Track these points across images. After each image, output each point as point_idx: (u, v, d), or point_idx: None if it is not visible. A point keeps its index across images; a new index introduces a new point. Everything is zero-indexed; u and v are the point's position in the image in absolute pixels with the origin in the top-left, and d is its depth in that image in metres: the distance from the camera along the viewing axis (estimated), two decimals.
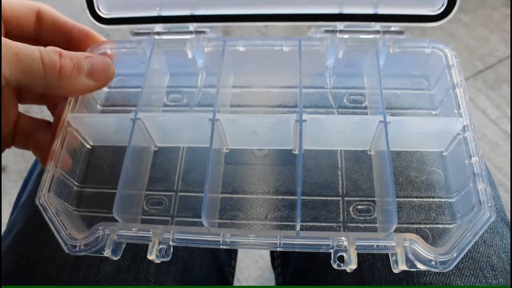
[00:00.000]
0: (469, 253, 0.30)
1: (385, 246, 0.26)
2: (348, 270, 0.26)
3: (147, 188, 0.31)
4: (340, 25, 0.32)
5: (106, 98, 0.35)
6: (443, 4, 0.31)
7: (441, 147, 0.31)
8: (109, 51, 0.33)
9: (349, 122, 0.29)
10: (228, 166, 0.32)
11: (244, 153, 0.32)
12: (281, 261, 0.46)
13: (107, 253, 0.26)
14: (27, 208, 0.36)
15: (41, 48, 0.26)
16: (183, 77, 0.35)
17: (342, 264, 0.25)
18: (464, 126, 0.28)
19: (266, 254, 0.85)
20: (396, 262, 0.26)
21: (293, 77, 0.34)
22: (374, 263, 0.32)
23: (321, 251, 0.26)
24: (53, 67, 0.26)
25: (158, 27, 0.33)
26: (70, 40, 0.33)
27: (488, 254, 0.31)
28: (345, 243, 0.26)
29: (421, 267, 0.25)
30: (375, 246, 0.26)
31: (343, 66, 0.34)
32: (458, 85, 0.30)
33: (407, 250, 0.26)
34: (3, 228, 0.37)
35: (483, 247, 0.31)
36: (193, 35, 0.33)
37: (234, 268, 0.49)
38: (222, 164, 0.32)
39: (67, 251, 0.27)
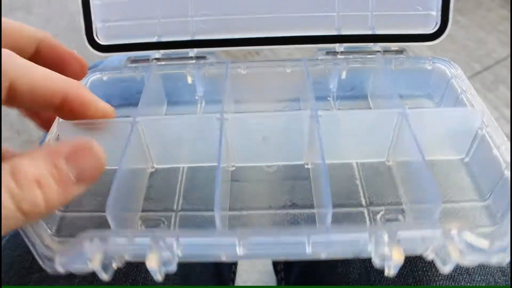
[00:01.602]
0: None
1: (431, 237, 0.22)
2: (391, 271, 0.22)
3: (143, 210, 0.27)
4: (340, 47, 0.32)
5: None
6: (436, 23, 0.32)
7: (461, 153, 0.29)
8: (104, 78, 0.32)
9: (366, 116, 0.27)
10: (235, 183, 0.28)
11: (253, 170, 0.29)
12: (284, 265, 0.44)
13: (94, 266, 0.21)
14: None
15: (13, 187, 0.20)
16: (181, 106, 0.34)
17: (385, 260, 0.21)
18: (483, 121, 0.27)
19: None
20: (446, 257, 0.22)
21: (296, 102, 0.33)
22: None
23: (356, 249, 0.22)
24: (35, 212, 0.20)
25: (157, 54, 0.32)
26: (66, 69, 0.30)
27: None
28: (385, 236, 0.22)
29: (475, 258, 0.22)
30: (419, 239, 0.22)
31: (347, 89, 0.34)
32: (466, 91, 0.29)
33: (457, 241, 0.22)
34: None
35: None
36: (194, 61, 0.32)
37: (234, 273, 0.47)
38: (229, 181, 0.28)
39: (43, 266, 0.22)
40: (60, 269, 0.21)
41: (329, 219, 0.22)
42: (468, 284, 0.28)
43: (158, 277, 0.21)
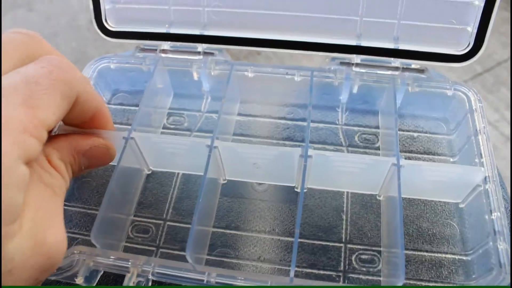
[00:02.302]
0: None
1: None
2: None
3: (135, 214, 0.29)
4: (356, 58, 0.30)
5: None
6: (469, 44, 0.29)
7: (457, 199, 0.28)
8: (112, 66, 0.32)
9: (359, 162, 0.26)
10: (223, 199, 0.29)
11: (243, 186, 0.30)
12: None
13: (79, 280, 0.24)
14: None
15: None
16: (187, 99, 0.33)
17: None
18: (485, 177, 0.26)
19: None
20: None
21: (303, 109, 0.32)
22: None
23: None
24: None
25: (166, 45, 0.31)
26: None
27: None
28: None
29: None
30: None
31: (358, 102, 0.32)
32: (480, 132, 0.27)
33: None
34: None
35: None
36: (201, 56, 0.31)
37: None
38: (218, 195, 0.29)
39: None
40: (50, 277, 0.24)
41: (292, 274, 0.23)
42: None
43: None
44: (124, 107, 0.33)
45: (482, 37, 0.28)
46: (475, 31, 0.28)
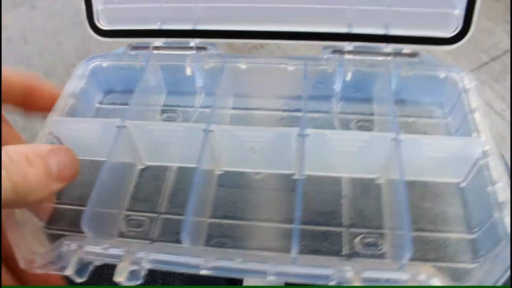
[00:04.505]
0: None
1: (397, 279, 0.22)
2: None
3: (128, 208, 0.28)
4: (348, 46, 0.30)
5: (96, 114, 0.33)
6: (457, 27, 0.29)
7: (458, 177, 0.28)
8: (104, 65, 0.32)
9: (357, 139, 0.26)
10: (220, 189, 0.28)
11: (240, 176, 0.29)
12: None
13: (68, 272, 0.23)
14: None
15: (7, 159, 0.21)
16: (180, 95, 0.33)
17: None
18: (485, 151, 0.25)
19: None
20: None
21: (297, 100, 0.32)
22: None
23: (319, 283, 0.22)
24: (23, 186, 0.22)
25: (158, 42, 0.32)
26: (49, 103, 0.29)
27: None
28: (349, 274, 0.22)
29: None
30: (384, 279, 0.22)
31: (352, 91, 0.32)
32: (476, 109, 0.27)
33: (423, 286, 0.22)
34: None
35: None
36: (194, 51, 0.31)
37: None
38: (214, 185, 0.28)
39: (22, 266, 0.23)
40: (38, 271, 0.23)
41: (295, 245, 0.22)
42: None
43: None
44: (116, 106, 0.33)
45: (469, 19, 0.29)
46: (463, 13, 0.29)
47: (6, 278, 0.25)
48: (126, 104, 0.33)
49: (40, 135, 0.28)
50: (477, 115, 0.27)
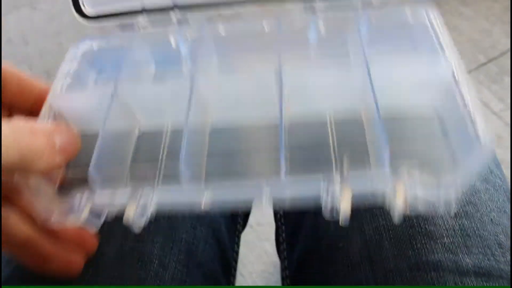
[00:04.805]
0: (477, 231, 0.31)
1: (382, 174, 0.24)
2: (342, 220, 0.24)
3: (130, 165, 0.30)
4: (319, 4, 0.32)
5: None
6: None
7: (432, 99, 0.29)
8: (94, 47, 0.34)
9: (332, 73, 0.28)
10: (213, 135, 0.31)
11: (229, 120, 0.31)
12: (287, 245, 0.46)
13: (82, 220, 0.25)
14: None
15: (13, 126, 0.24)
16: (167, 66, 0.35)
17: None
18: (453, 70, 0.28)
19: (270, 248, 0.84)
20: (394, 202, 0.23)
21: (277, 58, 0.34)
22: (381, 241, 0.32)
23: (312, 193, 0.24)
24: (29, 151, 0.24)
25: (142, 19, 0.34)
26: (36, 102, 0.31)
27: (496, 232, 0.31)
28: (337, 187, 0.24)
29: (422, 208, 0.23)
30: (369, 175, 0.25)
31: (326, 47, 0.34)
32: (443, 41, 0.30)
33: (407, 187, 0.24)
34: None
35: (491, 225, 0.31)
36: (176, 25, 0.34)
37: (237, 253, 0.48)
38: (207, 134, 0.31)
39: (41, 221, 0.26)
40: (57, 224, 0.26)
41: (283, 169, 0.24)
42: (466, 256, 0.30)
43: (136, 229, 0.25)
44: (108, 83, 0.35)
45: None
46: None
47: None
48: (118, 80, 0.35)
49: (42, 111, 0.30)
50: (445, 43, 0.29)
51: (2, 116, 0.30)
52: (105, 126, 0.27)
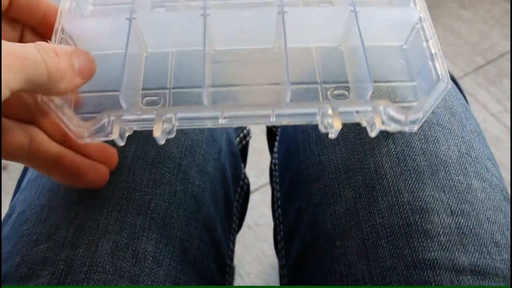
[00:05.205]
0: (473, 229, 0.32)
1: (364, 110, 0.29)
2: (332, 135, 0.29)
3: (143, 89, 0.34)
4: None
5: (92, 13, 0.37)
6: None
7: (401, 41, 0.35)
8: None
9: (323, 12, 0.33)
10: (215, 65, 0.34)
11: (231, 53, 0.35)
12: (285, 243, 0.46)
13: (114, 136, 0.28)
14: (27, 192, 0.37)
15: (39, 47, 0.25)
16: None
17: (328, 127, 0.29)
18: (420, 17, 0.33)
19: (268, 249, 0.87)
20: (374, 125, 0.29)
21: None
22: (378, 240, 0.33)
23: (308, 120, 0.29)
24: (55, 71, 0.25)
25: None
26: (43, 19, 0.32)
27: (492, 231, 0.31)
28: (329, 110, 0.29)
29: (394, 127, 0.29)
30: (355, 111, 0.29)
31: None
32: None
33: (382, 114, 0.29)
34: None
35: (487, 224, 0.32)
36: None
37: (233, 251, 0.49)
38: (210, 63, 0.34)
39: (74, 138, 0.29)
40: (88, 141, 0.29)
41: (288, 96, 0.29)
42: (462, 254, 0.30)
43: (161, 141, 0.29)
44: (107, 6, 0.37)
45: None
46: None
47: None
48: (115, 4, 0.37)
49: (54, 34, 0.32)
50: None
51: (15, 33, 0.31)
52: (127, 51, 0.30)
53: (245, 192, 0.52)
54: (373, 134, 0.30)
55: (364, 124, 0.30)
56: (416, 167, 0.34)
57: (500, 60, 1.13)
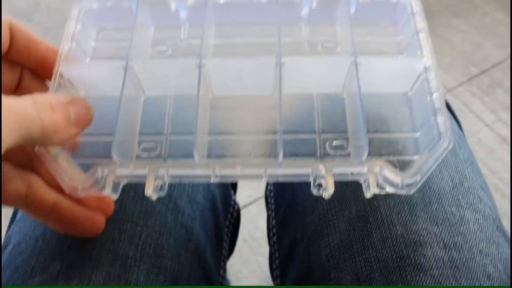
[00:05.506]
0: (466, 262, 0.32)
1: (358, 172, 0.29)
2: (325, 196, 0.29)
3: (140, 133, 0.33)
4: None
5: (93, 52, 0.36)
6: None
7: (406, 88, 0.34)
8: (94, 6, 0.35)
9: (323, 63, 0.31)
10: (213, 111, 0.34)
11: (229, 99, 0.34)
12: (280, 272, 0.46)
13: (107, 191, 0.29)
14: (22, 224, 0.37)
15: (35, 103, 0.25)
16: (167, 30, 0.37)
17: (320, 190, 0.28)
18: (426, 67, 0.31)
19: (265, 263, 0.87)
20: (368, 187, 0.28)
21: (272, 27, 0.36)
22: (371, 273, 0.33)
23: (301, 180, 0.29)
24: (49, 126, 0.25)
25: None
26: (42, 62, 0.32)
27: (484, 263, 0.31)
28: (323, 171, 0.28)
29: (389, 189, 0.28)
30: (349, 173, 0.29)
31: (318, 18, 0.36)
32: (421, 31, 0.33)
33: (378, 176, 0.29)
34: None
35: (480, 257, 0.32)
36: None
37: (223, 277, 0.49)
38: (208, 108, 0.34)
39: (68, 192, 0.29)
40: (82, 195, 0.29)
41: (281, 156, 0.29)
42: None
43: (154, 198, 0.29)
44: (111, 43, 0.37)
45: None
46: None
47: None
48: (118, 40, 0.37)
49: (53, 78, 0.31)
50: (421, 36, 0.32)
51: (13, 75, 0.31)
52: (121, 102, 0.30)
53: (235, 219, 0.52)
54: (368, 195, 0.30)
55: (360, 181, 0.30)
56: (409, 199, 0.34)
57: (494, 70, 1.13)
